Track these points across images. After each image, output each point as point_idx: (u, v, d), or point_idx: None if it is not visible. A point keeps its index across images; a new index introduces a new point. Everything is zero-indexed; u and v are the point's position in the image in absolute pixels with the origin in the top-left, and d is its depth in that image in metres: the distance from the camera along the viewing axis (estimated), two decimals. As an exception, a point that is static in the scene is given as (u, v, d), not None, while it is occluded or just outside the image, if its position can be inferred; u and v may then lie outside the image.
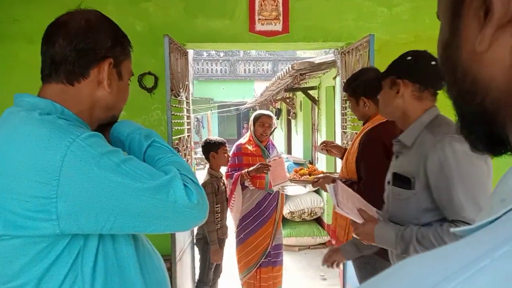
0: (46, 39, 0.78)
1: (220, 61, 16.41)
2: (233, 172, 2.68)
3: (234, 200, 2.67)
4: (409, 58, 1.25)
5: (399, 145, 1.28)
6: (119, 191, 0.67)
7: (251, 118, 2.81)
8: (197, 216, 0.74)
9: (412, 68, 1.24)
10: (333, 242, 2.08)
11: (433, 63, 1.21)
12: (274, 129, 2.84)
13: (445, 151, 1.08)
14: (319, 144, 2.36)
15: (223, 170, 2.79)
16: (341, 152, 2.28)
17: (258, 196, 2.67)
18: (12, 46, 2.72)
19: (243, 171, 2.63)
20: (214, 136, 2.86)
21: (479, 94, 0.29)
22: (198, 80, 15.55)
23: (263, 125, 2.71)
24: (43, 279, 0.68)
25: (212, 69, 16.33)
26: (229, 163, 2.75)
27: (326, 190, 2.08)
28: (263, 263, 2.71)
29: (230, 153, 2.80)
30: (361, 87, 1.88)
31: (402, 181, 1.20)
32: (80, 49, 0.75)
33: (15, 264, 0.67)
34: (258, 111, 2.84)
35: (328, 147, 2.30)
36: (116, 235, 0.74)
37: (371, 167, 1.75)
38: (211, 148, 2.67)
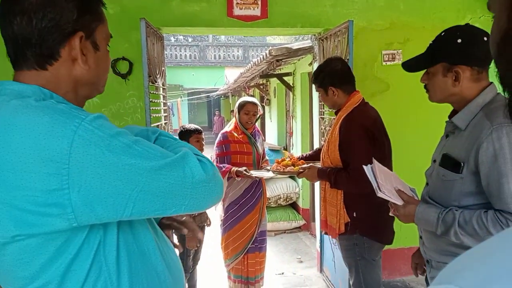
0: (1, 17, 0.67)
1: (189, 46, 16.00)
2: (221, 165, 2.62)
3: None
4: (459, 40, 1.15)
5: (451, 126, 1.25)
6: (134, 173, 0.62)
7: (236, 105, 2.76)
8: (215, 190, 0.71)
9: (466, 52, 1.14)
10: (324, 232, 2.11)
11: (485, 39, 1.12)
12: (260, 116, 2.81)
13: (501, 141, 1.05)
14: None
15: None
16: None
17: (246, 183, 2.65)
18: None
19: (232, 169, 2.57)
20: (190, 124, 2.78)
21: None
22: (167, 66, 15.06)
23: (248, 113, 2.67)
24: (66, 276, 0.64)
25: (181, 54, 15.91)
26: (216, 152, 2.70)
27: (313, 181, 2.11)
28: (250, 249, 2.72)
29: (216, 142, 2.75)
30: (328, 77, 1.93)
31: (452, 163, 1.18)
32: (43, 28, 0.66)
33: (33, 265, 0.62)
34: (243, 98, 2.78)
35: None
36: (133, 220, 0.71)
37: (357, 151, 1.78)
38: (182, 136, 2.64)
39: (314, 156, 2.37)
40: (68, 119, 0.61)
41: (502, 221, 1.06)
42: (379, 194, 1.29)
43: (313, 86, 2.12)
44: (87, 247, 0.64)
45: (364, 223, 1.86)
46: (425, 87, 1.31)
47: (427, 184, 1.36)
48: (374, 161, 1.39)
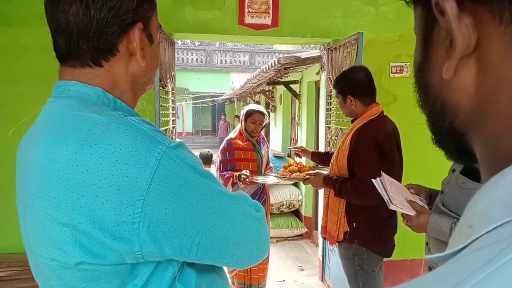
0: (54, 6, 0.60)
1: (196, 50, 16.13)
2: (224, 172, 2.63)
3: None
4: None
5: None
6: (204, 213, 0.58)
7: (243, 113, 2.76)
8: (266, 233, 0.68)
9: None
10: (323, 237, 2.13)
11: None
12: (266, 124, 2.83)
13: None
14: (292, 145, 2.51)
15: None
16: (309, 154, 2.44)
17: (250, 191, 2.65)
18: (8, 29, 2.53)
19: (234, 175, 2.57)
20: (204, 150, 2.80)
21: (449, 116, 0.30)
22: (173, 69, 15.19)
23: (255, 122, 2.67)
24: None
25: (187, 58, 16.03)
26: (220, 159, 2.71)
27: (318, 188, 2.11)
28: None
29: (220, 149, 2.76)
30: (349, 86, 1.93)
31: (474, 172, 1.20)
32: (102, 19, 0.58)
33: None
34: (251, 107, 2.77)
35: (298, 152, 2.48)
36: None
37: (365, 164, 1.80)
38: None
39: (325, 156, 2.39)
40: (151, 144, 0.54)
41: None
42: (391, 207, 1.30)
43: (320, 94, 2.14)
44: (156, 278, 0.58)
45: (363, 234, 1.87)
46: None
47: (441, 192, 1.38)
48: (383, 174, 1.41)
